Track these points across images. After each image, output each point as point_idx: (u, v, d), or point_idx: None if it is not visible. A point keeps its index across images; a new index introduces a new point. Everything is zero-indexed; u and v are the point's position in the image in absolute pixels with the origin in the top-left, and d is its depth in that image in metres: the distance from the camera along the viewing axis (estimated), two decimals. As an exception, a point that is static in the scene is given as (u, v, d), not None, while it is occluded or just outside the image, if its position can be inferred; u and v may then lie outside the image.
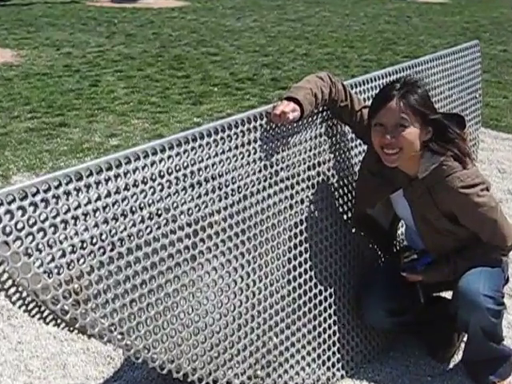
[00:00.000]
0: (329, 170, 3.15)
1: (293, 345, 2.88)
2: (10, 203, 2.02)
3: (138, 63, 9.21)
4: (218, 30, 12.12)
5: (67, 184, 2.15)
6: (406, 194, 2.95)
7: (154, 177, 2.39)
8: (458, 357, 3.21)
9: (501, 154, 6.13)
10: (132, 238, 2.31)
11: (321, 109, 3.05)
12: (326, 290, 3.05)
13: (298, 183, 2.97)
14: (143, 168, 2.36)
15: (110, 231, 2.25)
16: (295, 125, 2.93)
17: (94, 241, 2.21)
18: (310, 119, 3.02)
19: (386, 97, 2.80)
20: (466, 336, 3.06)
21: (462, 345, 3.18)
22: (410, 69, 3.81)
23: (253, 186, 2.75)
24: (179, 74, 8.66)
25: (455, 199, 2.81)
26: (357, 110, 3.06)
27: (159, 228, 2.39)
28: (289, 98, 2.84)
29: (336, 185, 3.19)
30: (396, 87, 2.80)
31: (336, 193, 3.19)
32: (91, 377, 3.04)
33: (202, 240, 2.54)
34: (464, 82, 4.37)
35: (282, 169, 2.89)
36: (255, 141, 2.77)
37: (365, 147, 3.19)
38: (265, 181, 2.80)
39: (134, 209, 2.32)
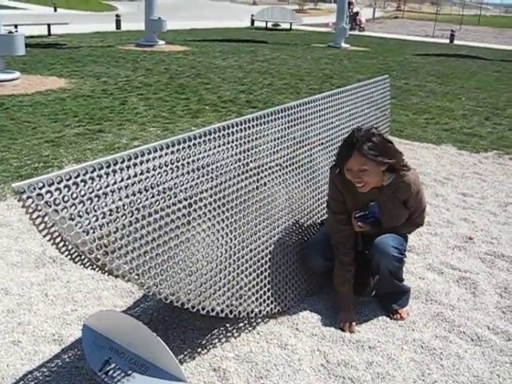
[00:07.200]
0: (284, 163, 3.12)
1: (257, 284, 2.85)
2: (59, 183, 1.98)
3: (154, 89, 9.10)
4: (209, 67, 11.99)
5: (99, 169, 2.10)
6: (378, 200, 2.91)
7: (161, 165, 2.35)
8: (372, 293, 3.20)
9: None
10: (145, 208, 2.27)
11: (277, 116, 3.03)
12: (281, 246, 3.04)
13: (262, 171, 2.94)
14: (153, 159, 2.32)
15: (130, 203, 2.20)
16: (261, 133, 2.90)
17: (119, 210, 2.16)
18: (273, 124, 2.99)
19: (349, 149, 2.72)
20: (378, 277, 3.06)
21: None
22: (343, 93, 3.79)
23: (231, 172, 2.71)
24: (182, 97, 8.58)
25: (409, 190, 2.87)
26: None
27: (165, 201, 2.35)
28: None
29: (290, 173, 3.17)
30: (354, 140, 2.70)
31: (290, 177, 3.16)
32: (118, 305, 3.00)
33: (195, 210, 2.50)
34: (378, 103, 4.37)
35: (251, 161, 2.85)
36: (232, 141, 2.73)
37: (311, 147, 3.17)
38: (239, 169, 2.77)
39: (147, 188, 2.27)
